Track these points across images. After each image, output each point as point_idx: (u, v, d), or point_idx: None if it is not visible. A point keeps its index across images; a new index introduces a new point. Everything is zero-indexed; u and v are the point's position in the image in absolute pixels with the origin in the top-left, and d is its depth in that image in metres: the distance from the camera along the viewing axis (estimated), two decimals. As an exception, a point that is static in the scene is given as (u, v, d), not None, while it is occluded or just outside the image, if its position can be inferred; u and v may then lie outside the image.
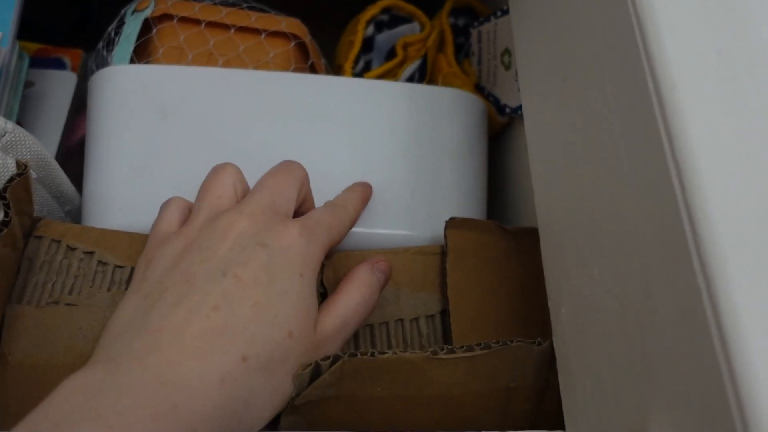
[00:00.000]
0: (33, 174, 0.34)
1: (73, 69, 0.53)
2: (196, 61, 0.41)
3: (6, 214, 0.28)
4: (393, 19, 0.47)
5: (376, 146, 0.39)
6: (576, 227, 0.27)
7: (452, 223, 0.35)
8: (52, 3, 0.72)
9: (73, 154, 0.51)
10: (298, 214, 0.33)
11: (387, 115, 0.40)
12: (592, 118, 0.25)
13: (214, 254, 0.27)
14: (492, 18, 0.43)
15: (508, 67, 0.42)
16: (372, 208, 0.38)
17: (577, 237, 0.27)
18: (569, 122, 0.28)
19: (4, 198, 0.28)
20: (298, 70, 0.44)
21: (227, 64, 0.42)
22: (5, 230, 0.27)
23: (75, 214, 0.40)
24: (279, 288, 0.27)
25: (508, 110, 0.43)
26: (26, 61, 0.43)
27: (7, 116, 0.41)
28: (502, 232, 0.35)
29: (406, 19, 0.48)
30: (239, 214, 0.29)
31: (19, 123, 0.46)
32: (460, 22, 0.49)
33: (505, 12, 0.42)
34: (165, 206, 0.32)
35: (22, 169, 0.30)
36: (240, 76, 0.39)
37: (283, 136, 0.38)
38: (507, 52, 0.42)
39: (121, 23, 0.43)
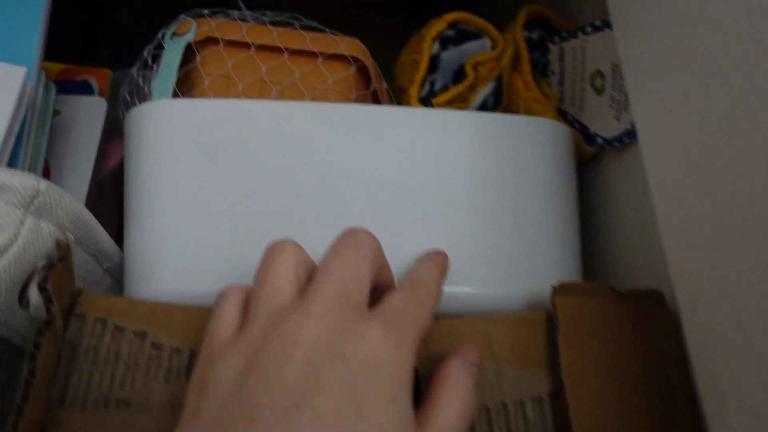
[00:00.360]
0: (71, 237, 0.29)
1: (100, 92, 0.49)
2: (247, 92, 0.36)
3: (48, 309, 0.23)
4: (460, 34, 0.42)
5: (454, 188, 0.34)
6: (750, 299, 0.22)
7: (560, 290, 0.30)
8: (66, 14, 0.67)
9: (105, 187, 0.46)
10: (373, 288, 0.28)
11: (466, 152, 0.35)
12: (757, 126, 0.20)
13: (282, 378, 0.22)
14: (579, 34, 0.38)
15: (600, 91, 0.37)
16: (453, 261, 0.33)
17: (753, 316, 0.22)
18: (727, 141, 0.23)
19: (45, 290, 0.23)
20: (360, 97, 0.38)
21: (283, 94, 0.37)
22: (48, 333, 0.23)
23: (115, 271, 0.35)
24: (369, 421, 0.21)
25: (600, 140, 0.37)
26: (53, 92, 0.39)
27: (35, 156, 0.36)
28: (616, 296, 0.30)
29: (475, 35, 0.42)
30: (306, 317, 0.24)
31: (46, 159, 0.41)
32: (535, 35, 0.43)
33: (598, 28, 0.37)
34: (220, 301, 0.27)
35: (64, 250, 0.25)
36: (300, 109, 0.34)
37: (349, 178, 0.33)
38: (599, 74, 0.37)
39: (159, 47, 0.38)
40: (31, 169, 0.36)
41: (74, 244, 0.30)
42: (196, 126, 0.33)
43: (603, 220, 0.40)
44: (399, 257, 0.33)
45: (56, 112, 0.44)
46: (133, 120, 0.35)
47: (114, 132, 0.46)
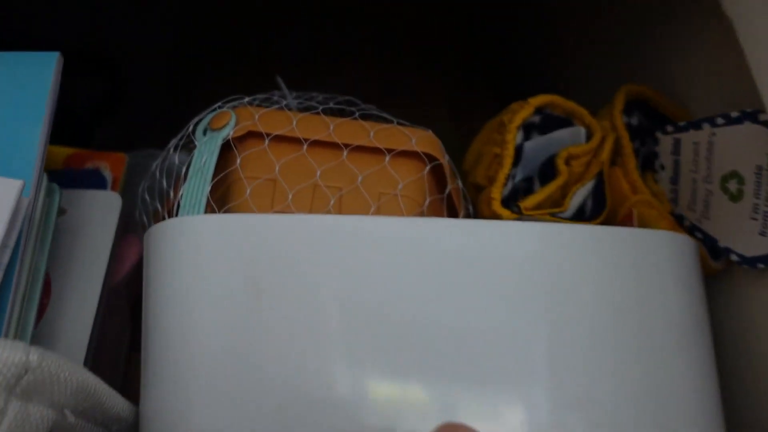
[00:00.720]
0: (70, 418, 0.22)
1: (114, 182, 0.41)
2: (299, 202, 0.29)
3: None
4: (546, 120, 0.35)
5: (566, 325, 0.26)
6: None
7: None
8: (83, 79, 0.61)
9: (119, 295, 0.39)
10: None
11: (581, 277, 0.27)
12: None
13: None
14: (705, 125, 0.31)
15: (736, 197, 0.30)
16: (566, 419, 0.26)
17: None
18: None
19: None
20: (434, 203, 0.31)
21: (342, 203, 0.29)
22: None
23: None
24: None
25: (736, 258, 0.30)
26: (56, 197, 0.31)
27: (34, 280, 0.29)
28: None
29: (564, 121, 0.35)
30: None
31: (47, 272, 0.34)
32: (634, 121, 0.36)
33: (735, 120, 0.29)
34: None
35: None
36: (369, 226, 0.26)
37: (436, 318, 0.26)
38: (735, 176, 0.30)
39: (186, 139, 0.31)
40: (28, 300, 0.28)
41: (76, 416, 0.23)
42: (239, 250, 0.26)
43: (733, 351, 0.32)
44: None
45: (61, 211, 0.37)
46: (155, 239, 0.27)
47: (129, 228, 0.39)
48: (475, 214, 0.35)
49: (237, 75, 0.54)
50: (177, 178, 0.31)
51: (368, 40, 0.53)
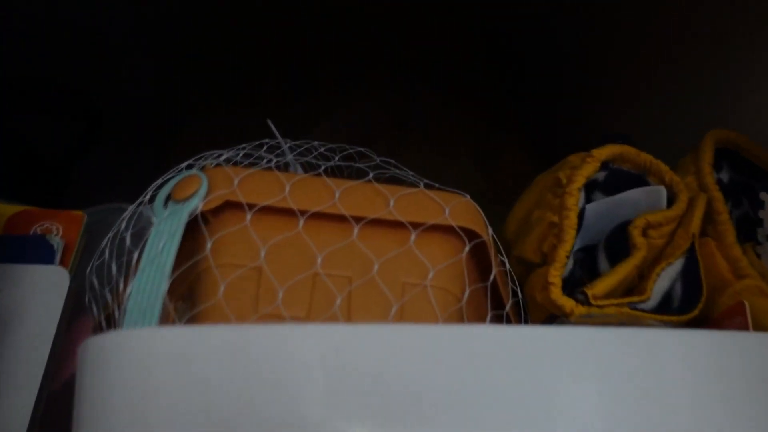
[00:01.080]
0: None
1: (66, 249, 0.34)
2: (293, 300, 0.21)
3: None
4: (613, 177, 0.27)
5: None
6: None
7: None
8: (48, 116, 0.54)
9: (58, 402, 0.31)
10: None
11: (685, 402, 0.19)
12: None
13: None
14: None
15: None
16: None
17: None
18: None
19: None
20: (474, 294, 0.23)
21: (355, 301, 0.21)
22: None
23: None
24: None
25: None
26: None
27: None
28: None
29: (636, 178, 0.27)
30: None
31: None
32: (724, 176, 0.28)
33: None
34: None
35: None
36: (396, 336, 0.18)
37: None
38: None
39: (136, 217, 0.23)
40: None
41: None
42: (204, 380, 0.18)
43: None
44: None
45: (-7, 293, 0.30)
46: (90, 356, 0.19)
47: (78, 312, 0.31)
48: (524, 299, 0.27)
49: (228, 116, 0.46)
50: (129, 263, 0.23)
51: (378, 71, 0.46)
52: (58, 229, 0.34)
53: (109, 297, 0.24)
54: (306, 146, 0.28)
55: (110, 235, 0.25)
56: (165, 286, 0.20)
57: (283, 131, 0.29)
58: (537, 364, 0.18)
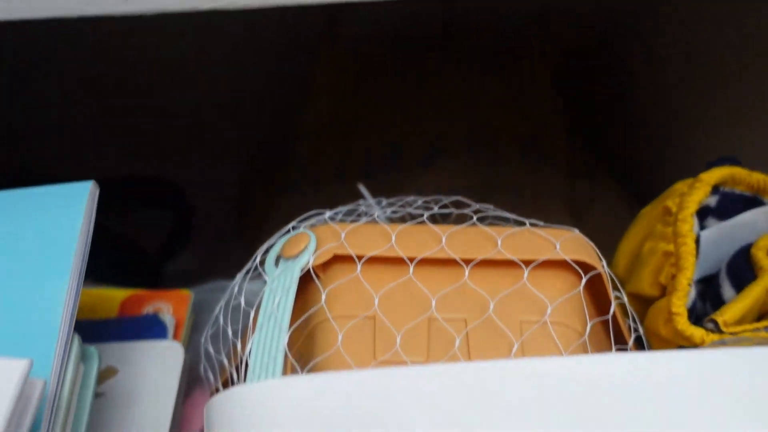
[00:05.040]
0: None
1: (177, 326, 0.34)
2: (411, 346, 0.21)
3: None
4: (726, 201, 0.26)
5: None
6: None
7: None
8: (142, 210, 0.57)
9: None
10: None
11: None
12: None
13: None
14: None
15: None
16: None
17: None
18: None
19: None
20: (597, 330, 0.22)
21: (473, 342, 0.21)
22: None
23: None
24: None
25: None
26: (95, 363, 0.24)
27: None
28: None
29: (749, 200, 0.26)
30: None
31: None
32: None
33: None
34: None
35: None
36: (526, 372, 0.18)
37: None
38: None
39: (255, 272, 0.24)
40: None
41: None
42: (336, 425, 0.18)
43: None
44: None
45: (110, 372, 0.30)
46: (216, 414, 0.19)
47: (192, 384, 0.32)
48: (645, 334, 0.26)
49: (315, 195, 0.47)
50: (245, 325, 0.23)
51: (460, 132, 0.46)
52: (168, 308, 0.35)
53: (225, 362, 0.25)
54: (401, 202, 0.28)
55: (222, 303, 0.25)
56: (284, 339, 0.20)
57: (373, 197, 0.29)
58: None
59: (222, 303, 0.25)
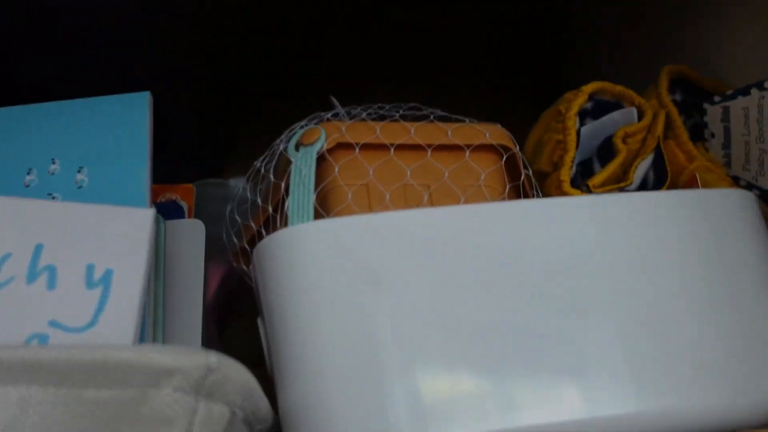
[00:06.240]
0: (240, 416, 0.24)
1: (189, 211, 0.44)
2: (394, 202, 0.31)
3: None
4: (597, 106, 0.38)
5: (659, 285, 0.29)
6: None
7: None
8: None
9: (207, 317, 0.41)
10: None
11: (664, 241, 0.30)
12: None
13: None
14: (753, 91, 0.34)
15: (791, 152, 0.33)
16: (671, 374, 0.28)
17: None
18: None
19: None
20: (512, 192, 0.34)
21: (435, 199, 0.32)
22: None
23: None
24: None
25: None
26: (162, 227, 0.34)
27: (156, 306, 0.31)
28: None
29: (613, 105, 0.38)
30: None
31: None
32: (678, 97, 0.39)
33: (781, 82, 0.32)
34: None
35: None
36: (472, 213, 0.29)
37: (537, 287, 0.28)
38: (788, 133, 0.33)
39: (274, 157, 0.33)
40: (156, 325, 0.30)
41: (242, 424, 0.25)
42: (352, 250, 0.28)
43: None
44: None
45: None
46: (268, 251, 0.30)
47: (208, 255, 0.41)
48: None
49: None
50: (266, 194, 0.33)
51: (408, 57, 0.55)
52: (178, 197, 0.44)
53: (250, 223, 0.34)
54: (375, 107, 0.38)
55: (251, 178, 0.34)
56: (313, 198, 0.30)
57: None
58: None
59: (248, 180, 0.35)
